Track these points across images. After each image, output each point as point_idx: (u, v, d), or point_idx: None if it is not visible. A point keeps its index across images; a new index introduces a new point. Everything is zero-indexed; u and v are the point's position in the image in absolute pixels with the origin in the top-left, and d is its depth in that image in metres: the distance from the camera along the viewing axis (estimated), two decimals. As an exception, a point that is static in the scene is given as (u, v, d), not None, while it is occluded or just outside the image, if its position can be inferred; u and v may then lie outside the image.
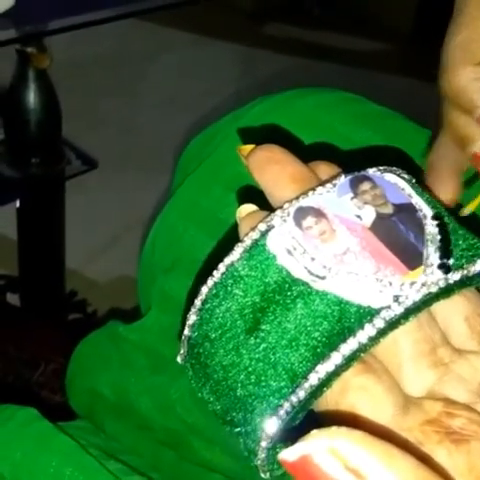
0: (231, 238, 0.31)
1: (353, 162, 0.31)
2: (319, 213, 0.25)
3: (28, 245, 0.98)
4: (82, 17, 0.74)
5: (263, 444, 0.24)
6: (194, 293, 0.26)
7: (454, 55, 0.35)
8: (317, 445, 0.18)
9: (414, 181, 0.28)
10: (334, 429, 0.18)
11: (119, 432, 0.45)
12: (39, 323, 0.95)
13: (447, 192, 0.37)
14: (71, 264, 1.04)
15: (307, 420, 0.25)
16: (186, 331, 0.26)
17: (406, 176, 0.28)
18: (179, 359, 0.26)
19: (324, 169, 0.28)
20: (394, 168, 0.28)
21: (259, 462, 0.24)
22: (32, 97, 0.85)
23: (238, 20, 1.60)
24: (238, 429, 0.25)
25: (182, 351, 0.26)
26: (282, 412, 0.23)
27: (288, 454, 0.18)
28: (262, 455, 0.24)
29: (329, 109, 0.44)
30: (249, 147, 0.28)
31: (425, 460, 0.20)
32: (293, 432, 0.24)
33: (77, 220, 1.03)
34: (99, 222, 1.18)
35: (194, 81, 1.41)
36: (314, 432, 0.18)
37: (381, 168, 0.27)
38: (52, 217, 0.98)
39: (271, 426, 0.24)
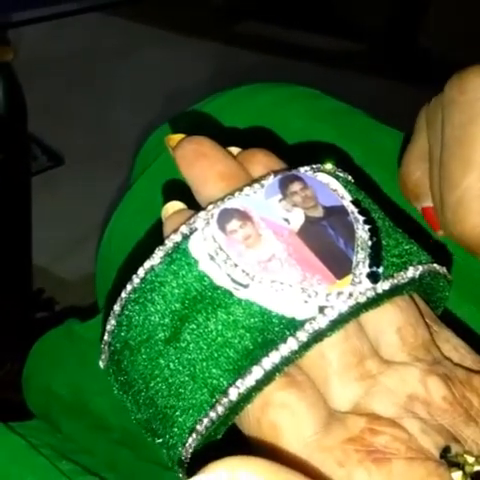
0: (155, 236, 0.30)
1: (293, 154, 0.30)
2: (245, 216, 0.24)
3: (-7, 242, 0.97)
4: (46, 10, 0.73)
5: (183, 459, 0.23)
6: (114, 295, 0.24)
7: (412, 153, 0.36)
8: (216, 478, 0.17)
9: (350, 179, 0.27)
10: (235, 459, 0.17)
11: (75, 432, 0.45)
12: (5, 321, 0.94)
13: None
14: (38, 262, 1.03)
15: (232, 433, 0.24)
16: (106, 337, 0.25)
17: (341, 175, 0.27)
18: (101, 364, 0.25)
19: (260, 159, 0.27)
20: (329, 166, 0.26)
21: (181, 476, 0.23)
22: (-5, 91, 0.84)
23: (211, 17, 1.60)
24: (160, 440, 0.24)
25: (103, 357, 0.25)
26: (201, 428, 0.22)
27: None
28: (182, 474, 0.23)
29: (285, 103, 0.43)
30: (177, 137, 0.27)
31: None
32: (217, 446, 0.23)
33: (44, 217, 1.02)
34: (67, 219, 1.17)
35: (164, 78, 1.40)
36: (213, 463, 0.17)
37: (314, 166, 0.26)
38: (18, 214, 0.97)
39: (190, 442, 0.23)
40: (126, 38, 1.49)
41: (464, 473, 0.21)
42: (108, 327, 0.25)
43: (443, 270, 0.26)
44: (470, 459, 0.22)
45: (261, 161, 0.27)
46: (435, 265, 0.26)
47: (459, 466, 0.22)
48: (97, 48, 1.48)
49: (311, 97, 0.44)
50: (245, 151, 0.27)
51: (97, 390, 0.43)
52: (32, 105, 0.90)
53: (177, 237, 0.24)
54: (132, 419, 0.25)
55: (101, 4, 0.75)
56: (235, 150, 0.28)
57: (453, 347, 0.26)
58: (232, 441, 0.24)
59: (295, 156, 0.27)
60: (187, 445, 0.23)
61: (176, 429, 0.23)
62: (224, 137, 0.28)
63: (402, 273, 0.24)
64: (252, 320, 0.23)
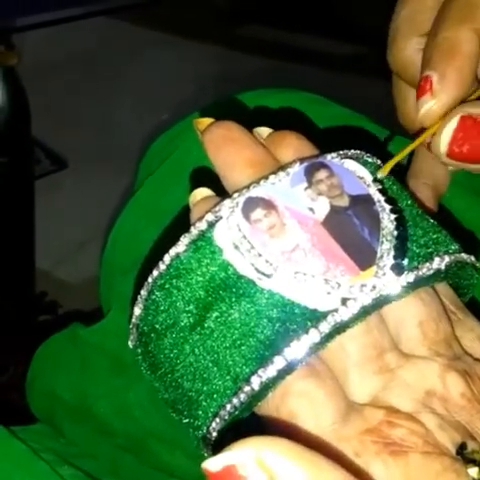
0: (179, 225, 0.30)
1: (325, 138, 0.30)
2: (269, 205, 0.24)
3: (-3, 246, 0.97)
4: (51, 15, 0.73)
5: (207, 438, 0.23)
6: (141, 281, 0.25)
7: (400, 28, 0.33)
8: (242, 455, 0.17)
9: (379, 164, 0.26)
10: (261, 439, 0.17)
11: (78, 436, 0.45)
12: (8, 324, 0.94)
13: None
14: (41, 265, 1.03)
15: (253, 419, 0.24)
16: (134, 319, 0.25)
17: (370, 160, 0.26)
18: (130, 344, 0.26)
19: (291, 141, 0.26)
20: (357, 151, 0.26)
21: (206, 454, 0.24)
22: (0, 95, 0.84)
23: (213, 20, 1.60)
24: (186, 420, 0.24)
25: (132, 337, 0.25)
26: (224, 413, 0.23)
27: (211, 464, 0.17)
28: (207, 453, 0.24)
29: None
30: (206, 121, 0.27)
31: (358, 474, 0.20)
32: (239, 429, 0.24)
33: (47, 220, 1.02)
34: (70, 222, 1.17)
35: (167, 81, 1.40)
36: (240, 441, 0.17)
37: (342, 153, 0.26)
38: (21, 217, 0.97)
39: (213, 426, 0.23)
40: (129, 41, 1.49)
41: None
42: (136, 310, 0.25)
43: (471, 259, 0.26)
44: None
45: (292, 144, 0.26)
46: (463, 255, 0.25)
47: (475, 462, 0.22)
48: (100, 51, 1.48)
49: (316, 103, 0.44)
50: (275, 133, 0.27)
51: (101, 395, 0.43)
52: (35, 108, 0.90)
53: (202, 225, 0.24)
54: (159, 398, 0.25)
55: (104, 9, 0.75)
56: (266, 131, 0.28)
57: (477, 336, 0.25)
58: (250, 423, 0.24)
59: (326, 140, 0.27)
60: (211, 428, 0.23)
61: (200, 412, 0.23)
62: (253, 123, 0.28)
63: (428, 264, 0.24)
64: (275, 310, 0.23)
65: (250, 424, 0.24)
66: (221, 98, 0.45)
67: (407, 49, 0.33)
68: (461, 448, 0.22)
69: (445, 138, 0.29)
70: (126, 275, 0.42)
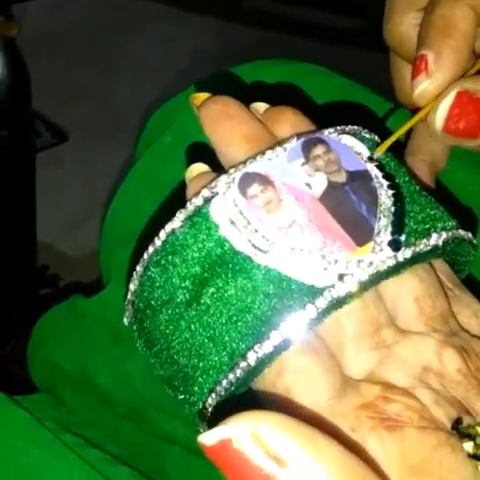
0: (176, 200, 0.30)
1: (323, 114, 0.30)
2: (266, 180, 0.24)
3: (-2, 219, 0.97)
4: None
5: (203, 413, 0.23)
6: (136, 258, 0.25)
7: (396, 2, 0.33)
8: (238, 430, 0.17)
9: (377, 140, 0.26)
10: (255, 413, 0.17)
11: (79, 405, 0.45)
12: (10, 298, 0.95)
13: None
14: (43, 238, 1.03)
15: (249, 394, 0.24)
16: (129, 296, 0.25)
17: (368, 136, 0.26)
18: (125, 321, 0.26)
19: (288, 117, 0.26)
20: (355, 127, 0.26)
21: (201, 430, 0.24)
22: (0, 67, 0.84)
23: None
24: (181, 396, 0.24)
25: (127, 314, 0.25)
26: (220, 388, 0.23)
27: (207, 438, 0.17)
28: (203, 428, 0.24)
29: (292, 81, 0.43)
30: (202, 96, 0.26)
31: (354, 449, 0.20)
32: (234, 404, 0.24)
33: (48, 193, 1.02)
34: (71, 195, 1.17)
35: (167, 54, 1.39)
36: (235, 416, 0.17)
37: (339, 128, 0.26)
38: (23, 190, 0.97)
39: (209, 402, 0.23)
40: (129, 14, 1.48)
41: (475, 444, 0.22)
42: (131, 286, 0.25)
43: (468, 236, 0.26)
44: None
45: (289, 119, 0.26)
46: (460, 231, 0.25)
47: (470, 437, 0.22)
48: (101, 24, 1.47)
49: (318, 74, 0.44)
50: (273, 108, 0.27)
51: (101, 365, 0.43)
52: (36, 81, 0.89)
53: (198, 201, 0.24)
54: (154, 375, 0.25)
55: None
56: (263, 106, 0.27)
57: (473, 313, 0.25)
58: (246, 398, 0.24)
59: (324, 115, 0.27)
60: (207, 404, 0.23)
61: (196, 388, 0.23)
62: (250, 98, 0.28)
63: (425, 240, 0.24)
64: (271, 286, 0.23)
65: (247, 399, 0.24)
66: (219, 71, 0.45)
67: (403, 24, 0.33)
68: (456, 423, 0.22)
69: (441, 114, 0.28)
70: (125, 246, 0.42)
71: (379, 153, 0.26)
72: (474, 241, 0.26)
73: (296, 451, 0.17)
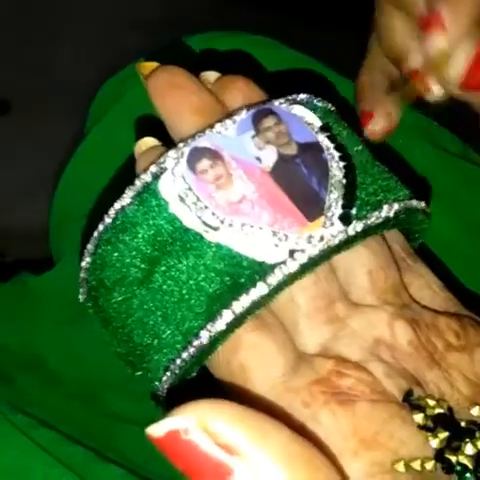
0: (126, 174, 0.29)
1: (276, 84, 0.29)
2: (215, 155, 0.23)
3: None
4: None
5: (159, 393, 0.24)
6: (88, 235, 0.24)
7: None
8: (185, 421, 0.17)
9: (330, 108, 0.26)
10: (201, 403, 0.17)
11: (28, 385, 0.44)
12: None
13: (383, 116, 0.33)
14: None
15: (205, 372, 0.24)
16: (82, 274, 0.25)
17: (320, 104, 0.26)
18: (81, 297, 0.25)
19: (240, 86, 0.26)
20: (306, 96, 0.26)
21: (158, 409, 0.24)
22: None
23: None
24: (139, 373, 0.24)
25: (82, 291, 0.25)
26: (174, 367, 0.23)
27: (154, 430, 0.17)
28: (160, 407, 0.24)
29: (244, 51, 0.42)
30: (150, 65, 0.26)
31: (306, 425, 0.19)
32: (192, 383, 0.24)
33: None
34: (14, 170, 1.14)
35: (116, 9, 1.35)
36: (181, 407, 0.17)
37: (290, 98, 0.25)
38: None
39: (164, 379, 0.23)
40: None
41: (425, 415, 0.22)
42: (83, 264, 0.25)
43: (421, 205, 0.26)
44: (431, 402, 0.22)
45: (240, 89, 0.26)
46: (413, 201, 0.25)
47: (421, 409, 0.22)
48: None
49: (268, 46, 0.43)
50: (223, 77, 0.26)
51: (50, 344, 0.43)
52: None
53: (147, 177, 0.24)
54: (112, 351, 0.25)
55: None
56: (214, 75, 0.27)
57: (425, 283, 0.26)
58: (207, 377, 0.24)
59: (277, 84, 0.27)
60: (162, 382, 0.23)
61: (152, 365, 0.23)
62: (201, 68, 0.27)
63: (376, 213, 0.24)
64: (222, 264, 0.23)
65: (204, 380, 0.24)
66: (167, 42, 0.44)
67: None
68: (408, 395, 0.23)
69: (458, 68, 0.27)
70: (78, 222, 0.41)
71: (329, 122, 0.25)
72: (427, 210, 0.26)
73: (242, 439, 0.17)
